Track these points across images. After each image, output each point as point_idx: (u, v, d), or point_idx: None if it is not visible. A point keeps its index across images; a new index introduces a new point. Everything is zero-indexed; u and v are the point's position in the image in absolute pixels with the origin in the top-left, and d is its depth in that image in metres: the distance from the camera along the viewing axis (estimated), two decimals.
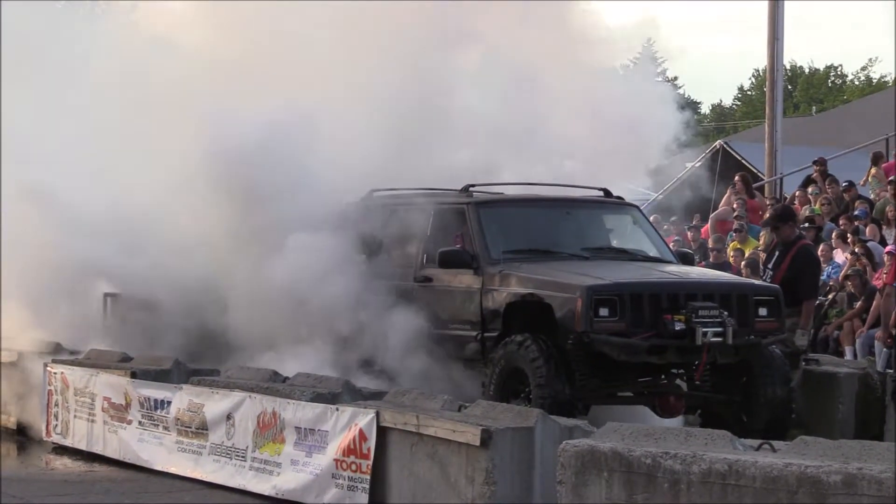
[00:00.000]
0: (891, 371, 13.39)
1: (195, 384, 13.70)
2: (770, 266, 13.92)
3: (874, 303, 16.51)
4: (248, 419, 12.75)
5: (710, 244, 21.18)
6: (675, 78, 74.54)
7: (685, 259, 14.50)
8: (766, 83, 26.63)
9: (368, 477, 11.30)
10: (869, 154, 24.55)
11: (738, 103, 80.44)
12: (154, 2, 17.86)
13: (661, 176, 21.61)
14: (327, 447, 11.80)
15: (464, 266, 13.65)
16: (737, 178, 23.63)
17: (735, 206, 22.45)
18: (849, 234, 18.86)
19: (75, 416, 15.30)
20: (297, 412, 12.19)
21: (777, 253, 14.00)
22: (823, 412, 13.84)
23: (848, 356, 16.69)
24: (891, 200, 20.31)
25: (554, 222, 14.23)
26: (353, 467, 11.46)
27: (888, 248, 17.57)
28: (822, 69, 78.53)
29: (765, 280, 13.86)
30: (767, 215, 16.23)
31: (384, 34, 16.49)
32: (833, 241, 19.21)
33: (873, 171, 23.13)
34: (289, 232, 14.85)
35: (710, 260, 20.19)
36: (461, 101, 16.10)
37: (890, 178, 21.54)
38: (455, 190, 14.47)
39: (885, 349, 13.46)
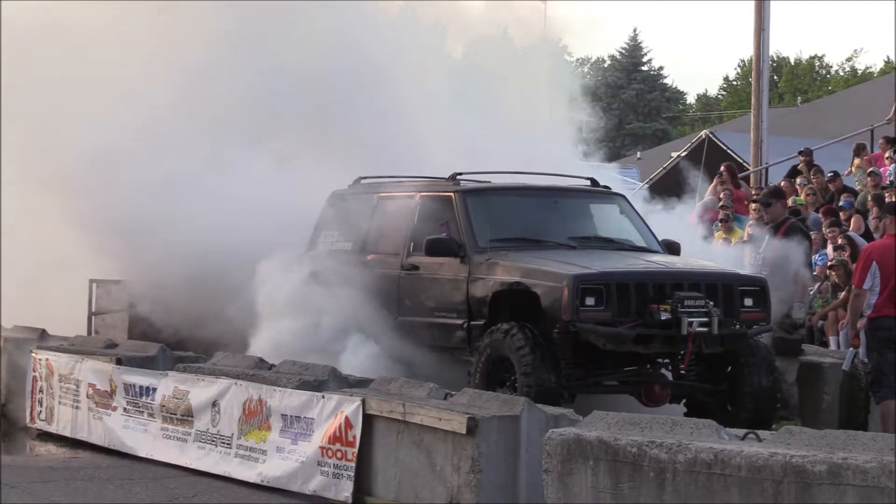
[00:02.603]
0: (865, 361, 13.45)
1: (181, 371, 13.68)
2: (762, 249, 13.89)
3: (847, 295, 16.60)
4: (234, 406, 12.74)
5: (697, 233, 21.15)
6: (661, 68, 74.75)
7: (672, 249, 14.52)
8: (753, 73, 26.67)
9: (353, 465, 11.31)
10: (853, 145, 24.61)
11: (724, 93, 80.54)
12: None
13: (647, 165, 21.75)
14: (313, 435, 11.79)
15: (451, 254, 13.65)
16: (723, 168, 23.65)
17: (721, 195, 22.46)
18: (827, 228, 18.87)
19: (60, 403, 15.28)
20: (284, 399, 12.18)
21: (767, 234, 14.00)
22: (808, 402, 13.89)
23: (832, 346, 16.74)
24: (871, 191, 20.37)
25: (541, 211, 14.23)
26: (339, 455, 11.46)
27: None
28: (806, 60, 78.71)
29: (758, 263, 13.84)
30: (760, 194, 16.26)
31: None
32: (824, 230, 19.24)
33: (857, 161, 23.19)
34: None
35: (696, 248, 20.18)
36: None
37: (870, 170, 21.60)
38: (442, 178, 14.49)
39: (850, 348, 13.53)
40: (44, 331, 16.61)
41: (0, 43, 17.39)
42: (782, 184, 22.91)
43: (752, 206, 21.29)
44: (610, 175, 16.87)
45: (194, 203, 15.98)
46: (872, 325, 13.00)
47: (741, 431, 8.96)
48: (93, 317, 17.75)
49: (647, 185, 27.19)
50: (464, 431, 10.22)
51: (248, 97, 17.00)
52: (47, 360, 15.63)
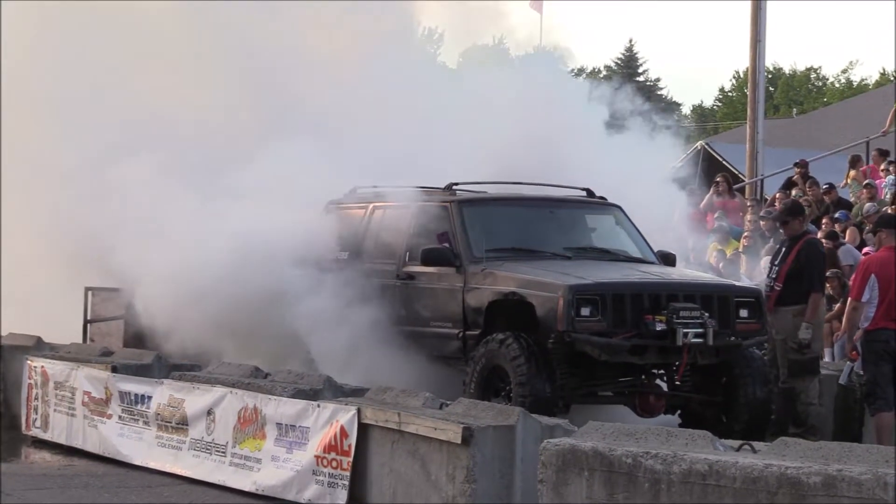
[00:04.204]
0: (860, 373, 13.44)
1: (176, 379, 13.68)
2: (776, 262, 13.85)
3: (847, 304, 16.59)
4: (229, 415, 12.74)
5: (690, 245, 21.15)
6: (658, 79, 74.86)
7: (667, 260, 14.54)
8: (748, 85, 26.71)
9: (348, 474, 11.31)
10: (849, 157, 24.64)
11: (720, 104, 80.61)
12: None
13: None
14: (308, 443, 11.80)
15: (446, 264, 13.67)
16: (719, 178, 23.67)
17: (715, 202, 22.58)
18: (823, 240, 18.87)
19: (55, 410, 15.27)
20: (279, 408, 12.19)
21: (783, 249, 13.92)
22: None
23: (827, 358, 16.73)
24: (865, 202, 20.38)
25: (537, 221, 14.26)
26: (334, 464, 11.47)
27: (866, 250, 17.61)
28: (801, 71, 78.84)
29: (770, 276, 13.82)
30: (777, 209, 16.13)
31: None
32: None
33: (852, 173, 23.22)
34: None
35: (690, 260, 20.19)
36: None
37: (866, 182, 21.63)
38: (439, 187, 14.51)
39: (847, 361, 13.52)
40: (39, 338, 16.60)
41: (1, 42, 17.41)
42: (777, 195, 22.96)
43: (748, 217, 21.34)
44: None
45: (190, 211, 15.97)
46: (869, 337, 13.01)
47: (736, 443, 8.98)
48: (88, 325, 17.73)
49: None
50: (459, 441, 10.22)
51: (242, 106, 17.01)
52: (42, 367, 15.62)
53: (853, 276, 13.98)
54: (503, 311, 13.09)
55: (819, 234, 19.24)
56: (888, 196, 20.76)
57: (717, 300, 12.89)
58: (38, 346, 16.40)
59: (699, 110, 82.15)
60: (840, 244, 18.83)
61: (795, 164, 23.81)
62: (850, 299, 13.37)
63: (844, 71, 78.30)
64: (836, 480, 7.76)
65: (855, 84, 73.57)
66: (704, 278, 14.26)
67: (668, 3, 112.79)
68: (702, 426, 10.55)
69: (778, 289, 13.47)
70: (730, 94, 79.18)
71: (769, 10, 25.44)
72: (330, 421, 11.58)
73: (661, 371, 13.19)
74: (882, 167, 22.35)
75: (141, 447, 13.89)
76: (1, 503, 11.93)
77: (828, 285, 17.47)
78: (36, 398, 15.67)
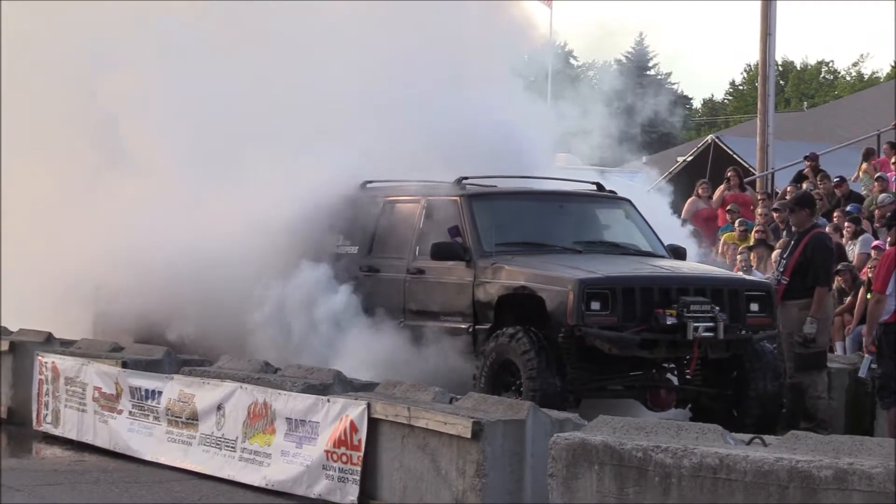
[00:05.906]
0: (875, 367, 13.40)
1: (186, 374, 13.69)
2: (785, 256, 13.81)
3: (859, 298, 16.55)
4: (239, 410, 12.74)
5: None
6: (670, 73, 74.75)
7: (677, 253, 14.52)
8: (759, 78, 26.67)
9: (359, 468, 11.30)
10: (860, 150, 24.59)
11: (730, 98, 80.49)
12: None
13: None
14: (318, 438, 11.79)
15: (456, 258, 13.66)
16: (730, 172, 23.64)
17: (726, 196, 22.56)
18: (844, 230, 18.85)
19: (66, 406, 15.27)
20: (289, 403, 12.18)
21: (792, 242, 13.88)
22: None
23: (838, 351, 16.71)
24: (877, 196, 20.33)
25: (547, 215, 14.24)
26: (344, 459, 11.46)
27: (875, 243, 17.56)
28: (812, 64, 78.71)
29: (778, 269, 13.78)
30: (788, 198, 16.08)
31: None
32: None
33: (864, 166, 23.18)
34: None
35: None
36: None
37: (877, 175, 21.59)
38: (448, 182, 14.49)
39: (867, 355, 13.46)
40: (50, 334, 16.61)
41: (1, 43, 17.38)
42: (788, 188, 22.92)
43: (759, 210, 21.30)
44: (615, 179, 16.76)
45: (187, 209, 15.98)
46: (888, 329, 12.94)
47: (747, 436, 8.96)
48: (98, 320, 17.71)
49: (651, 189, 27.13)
50: (469, 435, 10.21)
51: (234, 106, 16.94)
52: (53, 363, 15.63)
53: (876, 268, 13.89)
54: (513, 305, 13.08)
55: (828, 227, 19.23)
56: None
57: (727, 294, 12.87)
58: (49, 342, 16.41)
59: (710, 104, 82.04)
60: (860, 230, 18.83)
61: (806, 158, 23.77)
62: (873, 291, 13.29)
63: (855, 64, 78.21)
64: (847, 474, 7.75)
65: (866, 77, 73.43)
66: (715, 272, 14.24)
67: None
68: (712, 420, 10.53)
69: (785, 282, 13.45)
70: (740, 87, 79.03)
71: (779, 4, 25.42)
72: (340, 416, 11.58)
73: (672, 365, 13.17)
74: (893, 160, 22.29)
75: (151, 442, 13.90)
76: (1, 501, 11.94)
77: (839, 279, 17.46)
78: (46, 394, 15.67)
